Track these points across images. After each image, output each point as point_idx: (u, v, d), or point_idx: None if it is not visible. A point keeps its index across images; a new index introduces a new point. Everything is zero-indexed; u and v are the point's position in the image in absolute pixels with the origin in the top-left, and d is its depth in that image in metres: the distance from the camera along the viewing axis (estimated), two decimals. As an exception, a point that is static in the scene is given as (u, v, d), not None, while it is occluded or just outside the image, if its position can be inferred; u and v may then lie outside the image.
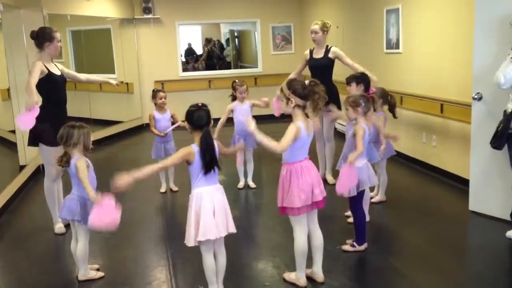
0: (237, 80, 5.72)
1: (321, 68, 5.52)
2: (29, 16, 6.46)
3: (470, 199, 4.65)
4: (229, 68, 13.59)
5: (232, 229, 3.17)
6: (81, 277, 3.60)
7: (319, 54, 5.59)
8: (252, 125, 3.13)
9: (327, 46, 5.58)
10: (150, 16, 9.75)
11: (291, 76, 5.51)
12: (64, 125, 3.58)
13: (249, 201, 5.53)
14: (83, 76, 5.06)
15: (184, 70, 11.51)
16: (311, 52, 5.68)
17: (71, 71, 4.91)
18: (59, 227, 4.55)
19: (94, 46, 9.58)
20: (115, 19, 9.36)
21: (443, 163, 5.75)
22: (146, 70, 9.95)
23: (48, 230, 4.62)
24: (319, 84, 3.21)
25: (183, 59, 12.79)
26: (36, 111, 3.83)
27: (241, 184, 5.72)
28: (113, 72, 9.82)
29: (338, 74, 5.64)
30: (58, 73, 4.48)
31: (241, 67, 13.88)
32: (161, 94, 5.59)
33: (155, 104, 5.58)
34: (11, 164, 6.25)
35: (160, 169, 3.46)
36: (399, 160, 6.43)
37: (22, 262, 4.04)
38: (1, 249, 4.38)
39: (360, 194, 3.90)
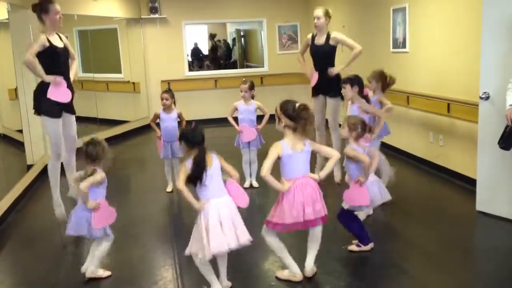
0: (244, 79, 5.74)
1: (323, 55, 5.55)
2: (36, 16, 6.47)
3: (477, 199, 4.63)
4: (235, 67, 13.60)
5: (244, 241, 3.18)
6: (90, 274, 3.62)
7: (320, 41, 5.59)
8: None
9: (328, 32, 5.58)
10: (156, 16, 9.77)
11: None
12: (87, 143, 3.62)
13: (254, 200, 5.53)
14: (74, 61, 4.96)
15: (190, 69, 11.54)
16: (313, 37, 5.68)
17: (71, 49, 4.86)
18: (59, 211, 4.59)
19: (100, 46, 9.61)
20: (121, 19, 9.38)
21: (450, 163, 5.73)
22: (153, 70, 9.97)
23: (56, 229, 4.65)
24: (308, 109, 3.30)
25: (189, 59, 12.81)
26: (63, 83, 3.91)
27: (246, 184, 5.73)
28: (120, 72, 9.85)
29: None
30: (60, 45, 4.52)
31: (247, 66, 13.89)
32: (163, 95, 5.53)
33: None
34: (18, 163, 6.28)
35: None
36: (406, 159, 6.41)
37: (29, 261, 4.07)
38: (9, 248, 4.40)
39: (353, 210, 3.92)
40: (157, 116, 5.55)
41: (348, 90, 4.68)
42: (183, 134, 3.23)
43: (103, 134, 8.51)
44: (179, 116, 5.55)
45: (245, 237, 3.19)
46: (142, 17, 9.82)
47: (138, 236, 4.52)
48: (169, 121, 5.49)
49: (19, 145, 6.17)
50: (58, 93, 4.38)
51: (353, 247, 3.93)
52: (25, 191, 5.72)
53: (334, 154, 3.44)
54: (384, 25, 6.99)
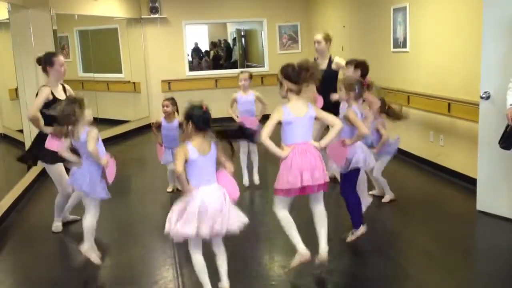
0: (242, 71, 5.76)
1: (326, 79, 5.49)
2: (36, 16, 6.49)
3: (477, 199, 4.63)
4: (236, 67, 13.60)
5: (234, 227, 3.06)
6: (84, 251, 3.71)
7: (323, 65, 5.61)
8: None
9: (330, 56, 5.60)
10: (157, 15, 9.77)
11: None
12: (55, 106, 3.66)
13: (255, 199, 5.53)
14: None
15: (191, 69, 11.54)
16: (315, 61, 5.70)
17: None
18: (56, 225, 4.60)
19: (101, 45, 9.61)
20: (122, 18, 9.39)
21: (450, 162, 5.72)
22: (153, 70, 9.97)
23: (56, 229, 4.64)
24: (309, 67, 3.29)
25: (190, 59, 12.82)
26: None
27: (246, 181, 5.71)
28: (120, 72, 9.86)
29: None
30: (63, 97, 4.53)
31: (248, 66, 13.87)
32: (164, 102, 5.46)
33: None
34: (19, 163, 6.27)
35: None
36: (407, 159, 6.41)
37: (29, 261, 4.07)
38: (9, 248, 4.41)
39: (351, 177, 3.90)
40: (158, 123, 5.48)
41: (350, 71, 4.68)
42: (193, 114, 3.02)
43: (103, 134, 8.48)
44: (181, 125, 5.49)
45: (236, 224, 3.07)
46: (142, 17, 9.82)
47: (138, 236, 4.52)
48: (170, 130, 5.43)
49: (20, 145, 6.17)
50: (56, 144, 4.18)
51: (349, 237, 3.95)
52: (25, 191, 5.72)
53: (336, 123, 3.40)
54: (384, 24, 6.98)
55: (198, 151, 3.02)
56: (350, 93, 3.88)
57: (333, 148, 3.84)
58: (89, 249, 3.71)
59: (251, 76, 5.62)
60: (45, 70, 4.46)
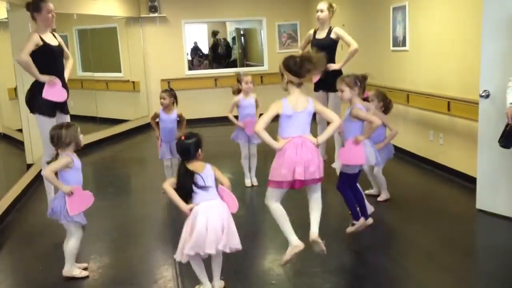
0: (242, 72, 5.68)
1: (323, 49, 5.51)
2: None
3: (477, 198, 4.63)
4: (235, 66, 13.59)
5: (231, 247, 3.08)
6: (65, 273, 3.62)
7: (321, 35, 5.61)
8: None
9: (330, 27, 5.58)
10: (156, 14, 9.76)
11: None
12: (52, 128, 3.61)
13: (255, 199, 5.53)
14: (69, 61, 4.88)
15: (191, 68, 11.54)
16: (314, 32, 5.69)
17: (65, 48, 4.80)
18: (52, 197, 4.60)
19: (100, 45, 9.59)
20: (121, 18, 9.38)
21: (450, 161, 5.72)
22: (152, 69, 9.96)
23: (55, 228, 4.63)
24: (311, 58, 3.23)
25: (189, 58, 12.81)
26: (58, 83, 3.86)
27: (247, 183, 5.72)
28: (119, 71, 9.85)
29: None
30: (55, 43, 4.50)
31: (247, 65, 13.87)
32: (161, 94, 5.43)
33: None
34: (18, 162, 6.27)
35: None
36: (406, 158, 6.41)
37: (29, 260, 4.06)
38: (8, 247, 4.40)
39: (351, 177, 3.91)
40: (157, 115, 5.47)
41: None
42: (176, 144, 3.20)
43: (103, 133, 8.54)
44: (179, 116, 5.45)
45: (233, 244, 3.09)
46: (141, 16, 9.81)
47: (138, 235, 4.52)
48: (168, 122, 5.40)
49: (19, 145, 6.17)
50: (53, 92, 4.36)
51: (349, 228, 3.95)
52: (24, 191, 5.72)
53: (335, 119, 3.34)
54: (384, 23, 6.98)
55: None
56: (355, 89, 3.84)
57: (347, 150, 3.79)
58: (69, 269, 3.62)
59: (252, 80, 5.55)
60: (33, 17, 4.43)
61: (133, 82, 9.78)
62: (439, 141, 5.90)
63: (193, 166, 3.12)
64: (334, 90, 5.47)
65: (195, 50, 14.13)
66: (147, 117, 9.77)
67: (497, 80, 4.23)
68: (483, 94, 4.37)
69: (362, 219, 3.95)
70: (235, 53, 14.98)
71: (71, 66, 4.85)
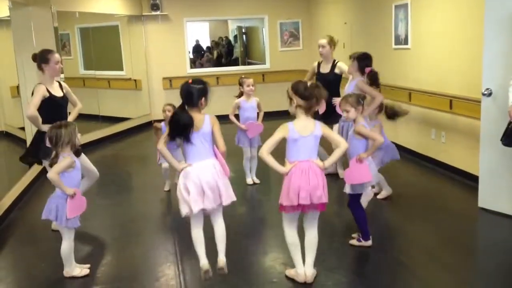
0: (243, 75, 5.71)
1: (328, 83, 5.50)
2: (37, 13, 6.49)
3: (479, 196, 4.62)
4: (237, 64, 13.58)
5: (227, 202, 3.29)
6: (65, 274, 3.63)
7: (326, 69, 5.65)
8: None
9: (334, 61, 5.60)
10: (158, 13, 9.76)
11: None
12: (50, 127, 3.60)
13: (256, 197, 5.53)
14: (76, 107, 4.79)
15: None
16: (318, 65, 5.73)
17: (73, 96, 4.75)
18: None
19: (102, 43, 9.60)
20: (123, 16, 9.38)
21: (452, 159, 5.72)
22: (154, 67, 9.96)
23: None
24: (320, 88, 3.26)
25: (191, 56, 12.81)
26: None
27: (249, 180, 5.73)
28: (121, 69, 9.85)
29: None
30: (59, 94, 4.50)
31: (249, 63, 13.86)
32: (166, 107, 5.34)
33: None
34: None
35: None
36: (408, 156, 6.40)
37: (31, 258, 4.08)
38: (11, 245, 4.41)
39: (360, 194, 3.92)
40: (158, 129, 5.41)
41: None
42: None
43: (104, 132, 8.54)
44: None
45: (228, 199, 3.30)
46: (143, 14, 9.81)
47: (140, 233, 4.52)
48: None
49: (21, 143, 6.17)
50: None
51: (354, 241, 3.94)
52: (26, 189, 5.73)
53: (342, 144, 3.34)
54: (386, 21, 6.97)
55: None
56: (359, 107, 3.83)
57: (354, 170, 3.77)
58: (70, 270, 3.63)
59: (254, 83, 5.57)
60: (40, 68, 4.42)
61: (135, 80, 9.78)
62: (441, 139, 5.89)
63: (193, 115, 3.23)
64: (332, 121, 5.49)
65: (197, 48, 14.14)
66: (149, 116, 9.81)
67: (499, 79, 4.22)
68: (485, 92, 4.37)
69: (370, 241, 3.91)
70: (237, 51, 14.98)
71: (77, 113, 4.76)
